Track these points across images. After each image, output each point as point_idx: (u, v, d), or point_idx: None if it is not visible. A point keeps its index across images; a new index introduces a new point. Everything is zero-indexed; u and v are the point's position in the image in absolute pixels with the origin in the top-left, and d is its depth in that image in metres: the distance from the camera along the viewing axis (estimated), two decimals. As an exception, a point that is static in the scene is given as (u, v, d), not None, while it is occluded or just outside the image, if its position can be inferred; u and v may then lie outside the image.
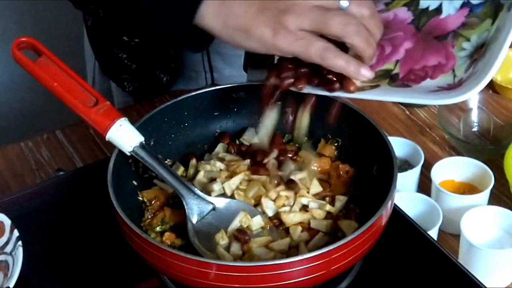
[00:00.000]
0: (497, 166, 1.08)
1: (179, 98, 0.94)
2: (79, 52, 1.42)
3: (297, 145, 0.96)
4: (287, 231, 0.84)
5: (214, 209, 0.86)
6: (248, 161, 0.90)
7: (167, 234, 0.85)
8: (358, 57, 0.84)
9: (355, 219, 0.86)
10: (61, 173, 1.02)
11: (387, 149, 0.86)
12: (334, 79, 0.85)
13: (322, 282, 0.78)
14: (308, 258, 0.74)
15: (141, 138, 0.86)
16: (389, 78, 0.86)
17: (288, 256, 0.77)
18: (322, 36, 0.84)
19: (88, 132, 1.19)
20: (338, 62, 0.82)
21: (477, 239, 0.97)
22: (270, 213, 0.85)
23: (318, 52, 0.82)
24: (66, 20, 1.97)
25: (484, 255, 0.94)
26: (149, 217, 0.88)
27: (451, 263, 0.85)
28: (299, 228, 0.84)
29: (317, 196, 0.88)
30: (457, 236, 1.00)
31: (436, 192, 1.04)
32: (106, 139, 0.85)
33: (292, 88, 0.87)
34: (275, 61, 0.90)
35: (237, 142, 0.96)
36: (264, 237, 0.83)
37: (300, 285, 0.75)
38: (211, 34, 0.88)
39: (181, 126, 0.95)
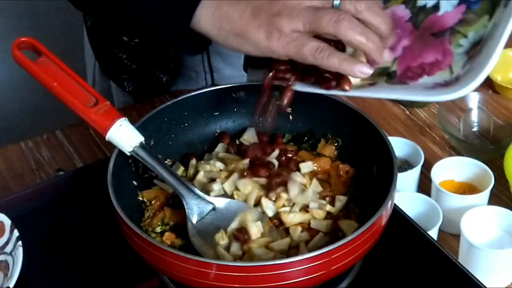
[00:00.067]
0: (497, 166, 1.08)
1: (179, 98, 0.94)
2: (79, 52, 1.42)
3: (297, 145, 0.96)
4: (287, 231, 0.84)
5: (214, 209, 0.86)
6: (247, 160, 0.90)
7: (167, 234, 0.85)
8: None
9: (355, 219, 0.86)
10: (61, 173, 1.02)
11: (387, 149, 0.86)
12: (331, 77, 0.85)
13: (322, 282, 0.78)
14: (308, 258, 0.74)
15: (141, 138, 0.86)
16: (387, 75, 0.86)
17: (288, 256, 0.77)
18: (322, 37, 0.84)
19: (88, 132, 1.19)
20: (332, 61, 0.82)
21: (477, 239, 0.97)
22: (270, 213, 0.85)
23: (311, 52, 0.82)
24: (66, 20, 1.97)
25: (484, 255, 0.94)
26: (149, 217, 0.88)
27: (451, 263, 0.85)
28: (299, 228, 0.84)
29: (317, 196, 0.88)
30: (457, 236, 1.00)
31: (436, 192, 1.04)
32: (106, 139, 0.85)
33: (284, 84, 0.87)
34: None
35: (237, 142, 0.96)
36: (264, 237, 0.83)
37: (300, 285, 0.75)
38: (207, 38, 0.89)
39: (181, 126, 0.95)
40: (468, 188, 1.07)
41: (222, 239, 0.82)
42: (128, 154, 0.85)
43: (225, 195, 0.87)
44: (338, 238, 0.81)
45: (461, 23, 0.86)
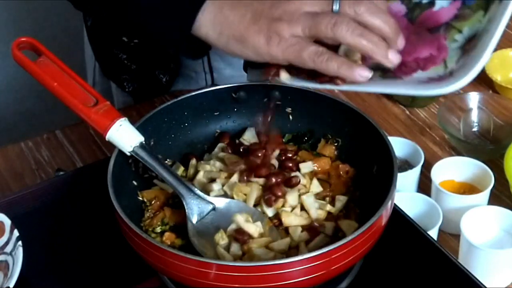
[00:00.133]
0: (497, 166, 1.08)
1: (179, 98, 0.94)
2: (79, 52, 1.42)
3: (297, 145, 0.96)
4: (287, 231, 0.84)
5: (214, 209, 0.86)
6: (247, 160, 0.90)
7: (167, 234, 0.85)
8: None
9: (355, 219, 0.86)
10: (61, 173, 1.02)
11: (387, 149, 0.86)
12: None
13: (322, 282, 0.78)
14: (308, 258, 0.74)
15: (141, 138, 0.86)
16: (381, 70, 0.86)
17: (288, 256, 0.77)
18: (322, 42, 0.84)
19: (88, 132, 1.19)
20: (331, 65, 0.83)
21: (477, 239, 0.97)
22: (270, 213, 0.85)
23: (310, 56, 0.83)
24: (66, 20, 1.97)
25: (484, 255, 0.94)
26: (149, 217, 0.88)
27: (451, 263, 0.85)
28: (299, 228, 0.84)
29: (317, 196, 0.88)
30: (457, 236, 1.00)
31: (436, 192, 1.04)
32: (106, 139, 0.85)
33: (277, 78, 0.88)
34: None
35: (237, 142, 0.96)
36: (264, 237, 0.83)
37: (300, 285, 0.75)
38: (207, 43, 0.89)
39: (181, 126, 0.95)
40: (468, 188, 1.07)
41: (222, 239, 0.82)
42: (128, 154, 0.85)
43: (225, 195, 0.87)
44: (338, 238, 0.81)
45: (456, 18, 0.87)
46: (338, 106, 0.94)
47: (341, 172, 0.91)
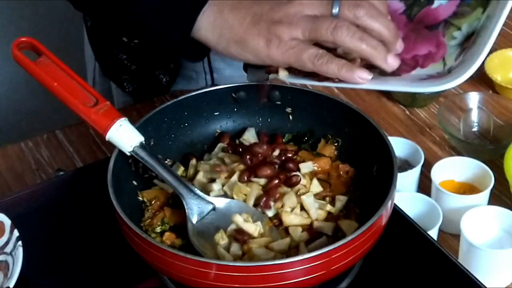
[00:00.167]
0: (497, 166, 1.08)
1: (179, 98, 0.94)
2: (79, 52, 1.42)
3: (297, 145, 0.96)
4: (287, 231, 0.84)
5: (214, 209, 0.86)
6: (247, 160, 0.90)
7: (167, 234, 0.85)
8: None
9: (355, 219, 0.86)
10: (61, 173, 1.02)
11: (387, 149, 0.86)
12: None
13: (322, 282, 0.78)
14: (308, 258, 0.74)
15: (141, 138, 0.86)
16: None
17: (288, 256, 0.77)
18: (322, 45, 0.84)
19: (88, 132, 1.19)
20: (331, 67, 0.83)
21: (477, 239, 0.97)
22: (270, 213, 0.85)
23: (310, 59, 0.83)
24: (66, 20, 1.98)
25: (484, 255, 0.94)
26: (149, 217, 0.88)
27: (451, 263, 0.85)
28: (299, 228, 0.84)
29: (317, 196, 0.88)
30: (457, 236, 1.00)
31: (436, 192, 1.04)
32: (106, 139, 0.85)
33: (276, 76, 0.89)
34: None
35: (237, 142, 0.96)
36: (264, 237, 0.83)
37: (300, 285, 0.75)
38: (207, 46, 0.90)
39: (181, 126, 0.95)
40: (468, 188, 1.07)
41: (222, 239, 0.82)
42: (128, 154, 0.85)
43: (225, 195, 0.87)
44: (338, 238, 0.81)
45: (455, 15, 0.87)
46: (338, 106, 0.94)
47: (341, 172, 0.91)
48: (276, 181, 0.86)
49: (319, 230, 0.84)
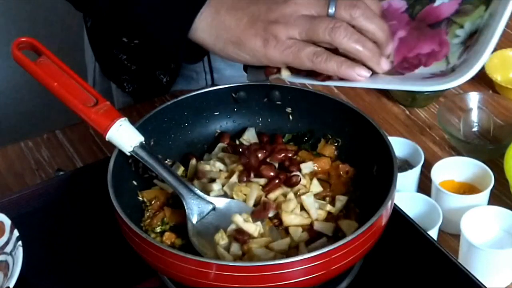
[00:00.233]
0: (497, 166, 1.08)
1: (179, 98, 0.94)
2: (79, 52, 1.42)
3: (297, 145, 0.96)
4: (287, 231, 0.84)
5: (214, 209, 0.86)
6: (247, 160, 0.90)
7: (167, 234, 0.85)
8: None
9: (355, 219, 0.86)
10: (61, 173, 1.02)
11: (387, 149, 0.86)
12: None
13: (322, 282, 0.78)
14: (308, 258, 0.74)
15: (141, 138, 0.86)
16: None
17: (288, 256, 0.77)
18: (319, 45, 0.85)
19: (88, 132, 1.19)
20: (330, 64, 0.83)
21: (477, 239, 0.97)
22: (270, 213, 0.85)
23: (308, 57, 0.83)
24: (66, 21, 1.98)
25: (484, 255, 0.94)
26: (149, 217, 0.88)
27: (451, 263, 0.85)
28: (299, 228, 0.84)
29: (317, 196, 0.88)
30: (457, 236, 1.00)
31: (436, 192, 1.04)
32: (106, 139, 0.85)
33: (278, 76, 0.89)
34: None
35: (237, 142, 0.96)
36: (264, 237, 0.83)
37: (300, 285, 0.75)
38: (204, 48, 0.90)
39: (181, 126, 0.95)
40: (468, 188, 1.07)
41: (222, 239, 0.82)
42: (128, 154, 0.85)
43: (225, 195, 0.87)
44: (338, 238, 0.81)
45: (457, 13, 0.87)
46: (338, 106, 0.94)
47: (341, 172, 0.91)
48: (276, 181, 0.86)
49: (319, 230, 0.84)
